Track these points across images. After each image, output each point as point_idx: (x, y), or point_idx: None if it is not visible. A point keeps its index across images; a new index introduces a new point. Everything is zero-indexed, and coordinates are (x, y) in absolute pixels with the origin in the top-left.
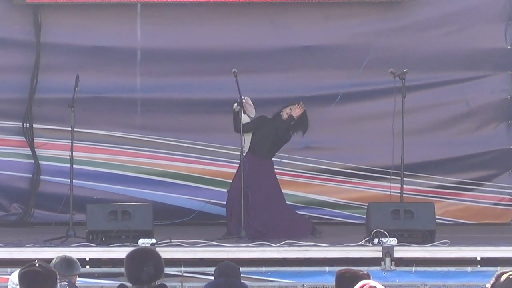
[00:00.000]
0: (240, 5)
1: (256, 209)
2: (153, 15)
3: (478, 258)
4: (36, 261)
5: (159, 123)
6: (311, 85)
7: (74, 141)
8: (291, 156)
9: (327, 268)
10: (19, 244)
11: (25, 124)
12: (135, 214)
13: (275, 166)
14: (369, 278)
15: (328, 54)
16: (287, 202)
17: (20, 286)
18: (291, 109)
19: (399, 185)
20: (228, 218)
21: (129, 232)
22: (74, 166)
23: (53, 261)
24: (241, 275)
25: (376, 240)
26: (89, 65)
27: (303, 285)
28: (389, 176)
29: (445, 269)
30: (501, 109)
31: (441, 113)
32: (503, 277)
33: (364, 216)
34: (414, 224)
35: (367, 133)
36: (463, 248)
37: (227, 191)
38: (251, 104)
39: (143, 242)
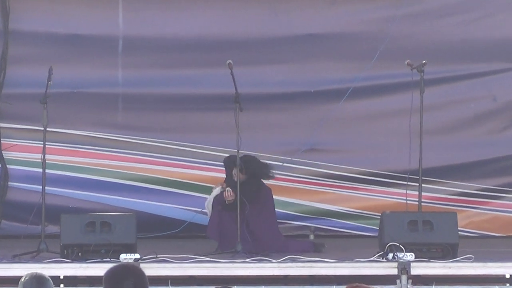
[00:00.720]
0: None
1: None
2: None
3: (507, 276)
4: None
5: (144, 122)
6: (316, 79)
7: (46, 143)
8: (293, 159)
9: (334, 287)
10: None
11: None
12: (116, 225)
13: (275, 170)
14: None
15: (336, 44)
16: (288, 211)
17: None
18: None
19: (417, 193)
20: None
21: (109, 246)
22: (47, 170)
23: (22, 279)
24: None
25: (390, 255)
26: (64, 56)
27: None
28: (405, 182)
29: None
30: None
31: (464, 110)
32: None
33: (377, 228)
34: (434, 236)
35: (380, 133)
36: (489, 264)
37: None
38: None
39: (125, 257)
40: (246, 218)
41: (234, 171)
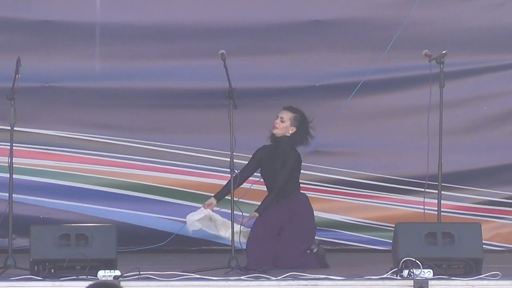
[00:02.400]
0: None
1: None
2: None
3: None
4: None
5: (125, 121)
6: (322, 71)
7: (14, 144)
8: None
9: None
10: None
11: None
12: (94, 238)
13: None
14: None
15: (344, 32)
16: None
17: None
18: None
19: (436, 201)
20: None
21: (85, 261)
22: (14, 176)
23: None
24: None
25: (406, 272)
26: (34, 45)
27: None
28: (423, 189)
29: None
30: None
31: (490, 107)
32: None
33: (391, 241)
34: (455, 251)
35: (394, 133)
36: None
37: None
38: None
39: (104, 274)
40: (280, 223)
41: (282, 114)
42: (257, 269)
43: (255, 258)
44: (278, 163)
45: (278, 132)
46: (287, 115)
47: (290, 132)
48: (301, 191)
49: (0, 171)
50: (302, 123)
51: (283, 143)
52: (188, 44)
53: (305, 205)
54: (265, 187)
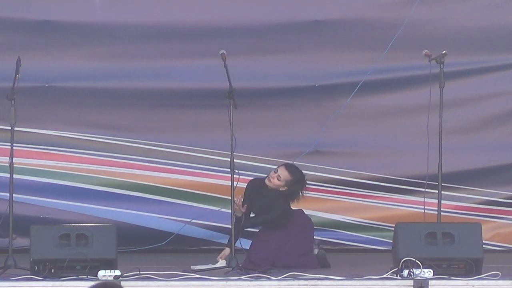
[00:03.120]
0: None
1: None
2: None
3: None
4: None
5: (125, 121)
6: (322, 71)
7: (14, 144)
8: (295, 162)
9: None
10: None
11: None
12: (94, 238)
13: None
14: None
15: (344, 32)
16: None
17: None
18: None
19: (436, 201)
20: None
21: (86, 261)
22: (15, 176)
23: None
24: None
25: (406, 272)
26: (34, 45)
27: None
28: (423, 189)
29: None
30: None
31: (490, 107)
32: None
33: (391, 241)
34: (455, 251)
35: (394, 133)
36: None
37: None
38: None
39: (104, 274)
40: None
41: (280, 173)
42: (257, 269)
43: (256, 259)
44: (265, 203)
45: (270, 185)
46: (284, 175)
47: (281, 189)
48: (294, 209)
49: (0, 171)
50: (296, 184)
51: (274, 195)
52: (188, 44)
53: (303, 219)
54: None
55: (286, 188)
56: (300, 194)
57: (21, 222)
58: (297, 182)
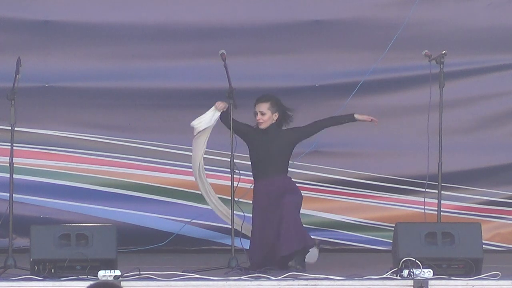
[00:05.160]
0: None
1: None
2: None
3: None
4: None
5: (126, 121)
6: (322, 71)
7: (14, 144)
8: (295, 163)
9: None
10: None
11: None
12: (94, 238)
13: None
14: None
15: (344, 32)
16: None
17: None
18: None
19: (436, 201)
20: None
21: (86, 261)
22: (15, 176)
23: None
24: None
25: (405, 272)
26: (34, 45)
27: None
28: (422, 189)
29: None
30: None
31: (490, 107)
32: None
33: (390, 241)
34: (455, 251)
35: (394, 133)
36: None
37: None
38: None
39: (104, 274)
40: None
41: (259, 109)
42: (257, 269)
43: (257, 259)
44: (268, 147)
45: (264, 126)
46: (264, 107)
47: (274, 119)
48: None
49: (0, 171)
50: (279, 106)
51: (273, 130)
52: (188, 44)
53: (292, 184)
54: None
55: (276, 114)
56: (288, 110)
57: (21, 222)
58: (276, 101)
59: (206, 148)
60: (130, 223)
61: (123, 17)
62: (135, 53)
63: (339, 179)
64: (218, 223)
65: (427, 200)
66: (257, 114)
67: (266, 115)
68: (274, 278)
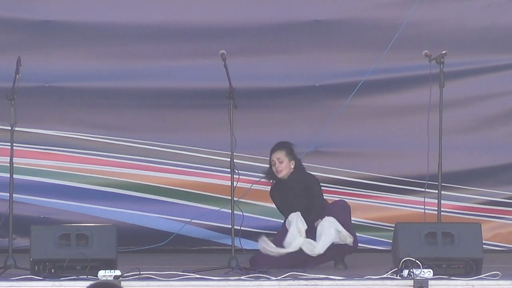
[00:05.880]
0: None
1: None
2: None
3: None
4: None
5: (126, 121)
6: (322, 71)
7: (14, 144)
8: None
9: None
10: None
11: None
12: (94, 238)
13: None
14: None
15: (345, 31)
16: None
17: None
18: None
19: (436, 201)
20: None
21: (86, 261)
22: (15, 176)
23: None
24: None
25: (405, 272)
26: (34, 45)
27: None
28: (423, 189)
29: None
30: None
31: (490, 107)
32: None
33: (390, 241)
34: (455, 251)
35: (394, 133)
36: None
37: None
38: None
39: (104, 274)
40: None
41: (276, 156)
42: (258, 269)
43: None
44: (294, 195)
45: (284, 174)
46: (281, 154)
47: (292, 166)
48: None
49: (0, 171)
50: (293, 152)
51: (294, 179)
52: (188, 44)
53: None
54: (266, 187)
55: (293, 161)
56: (299, 156)
57: (21, 222)
58: (290, 148)
59: (206, 148)
60: (130, 223)
61: (123, 17)
62: (135, 53)
63: (339, 179)
64: (218, 223)
65: (427, 200)
66: (274, 163)
67: (283, 163)
68: (274, 278)
